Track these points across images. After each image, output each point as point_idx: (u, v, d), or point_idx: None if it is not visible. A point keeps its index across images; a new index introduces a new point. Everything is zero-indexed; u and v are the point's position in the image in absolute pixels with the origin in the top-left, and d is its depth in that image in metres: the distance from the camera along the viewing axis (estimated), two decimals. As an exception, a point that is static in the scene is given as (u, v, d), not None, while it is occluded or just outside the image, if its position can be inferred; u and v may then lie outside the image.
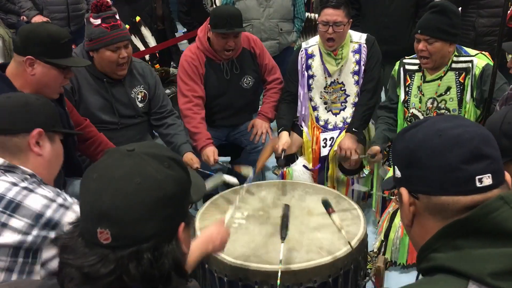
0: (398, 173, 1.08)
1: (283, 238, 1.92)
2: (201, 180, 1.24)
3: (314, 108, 3.25)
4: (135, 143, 1.08)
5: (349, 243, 1.99)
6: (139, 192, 0.95)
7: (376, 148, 2.89)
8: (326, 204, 2.08)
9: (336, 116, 3.22)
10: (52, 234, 1.44)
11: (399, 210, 2.78)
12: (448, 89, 2.81)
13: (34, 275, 1.44)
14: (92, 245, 0.95)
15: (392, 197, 2.90)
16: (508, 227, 0.92)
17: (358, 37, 3.15)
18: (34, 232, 1.42)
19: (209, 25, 3.06)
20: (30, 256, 1.43)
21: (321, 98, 3.21)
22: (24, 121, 1.56)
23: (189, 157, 2.90)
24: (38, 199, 1.46)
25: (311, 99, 3.23)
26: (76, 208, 1.50)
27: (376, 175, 3.13)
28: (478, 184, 0.96)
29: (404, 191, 1.06)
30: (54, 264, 1.43)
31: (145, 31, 4.51)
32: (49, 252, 1.45)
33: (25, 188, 1.47)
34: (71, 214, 1.48)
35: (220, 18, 2.98)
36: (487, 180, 0.97)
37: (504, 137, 1.59)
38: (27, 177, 1.52)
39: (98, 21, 2.62)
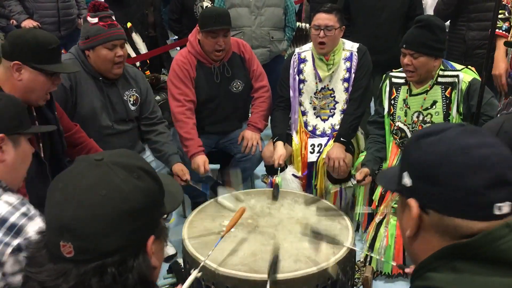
0: (408, 182, 1.00)
1: (270, 277, 1.88)
2: (179, 189, 1.17)
3: (303, 113, 3.26)
4: (106, 151, 1.05)
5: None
6: (104, 204, 0.91)
7: (365, 170, 2.86)
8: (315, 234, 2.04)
9: (324, 122, 3.24)
10: (15, 242, 1.41)
11: (385, 220, 2.80)
12: (434, 103, 2.82)
13: None
14: (56, 258, 0.92)
15: (373, 209, 2.90)
16: (510, 258, 0.89)
17: (350, 46, 3.18)
18: None
19: (198, 27, 3.08)
20: None
21: (310, 103, 3.23)
22: None
23: (180, 168, 2.89)
24: (2, 205, 1.44)
25: (300, 104, 3.25)
26: (39, 220, 1.47)
27: (361, 195, 3.13)
28: (496, 212, 0.91)
29: (413, 203, 0.98)
30: (17, 279, 1.41)
31: (136, 38, 4.50)
32: (13, 267, 1.42)
33: None
34: (34, 226, 1.44)
35: (208, 17, 3.02)
36: (506, 208, 0.91)
37: None
38: None
39: (96, 20, 2.63)
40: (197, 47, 3.13)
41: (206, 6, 4.66)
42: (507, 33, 3.41)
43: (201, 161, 2.97)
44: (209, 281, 1.99)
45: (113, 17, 2.72)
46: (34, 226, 1.44)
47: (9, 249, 1.41)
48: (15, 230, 1.43)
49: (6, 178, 1.54)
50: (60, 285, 0.90)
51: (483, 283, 0.88)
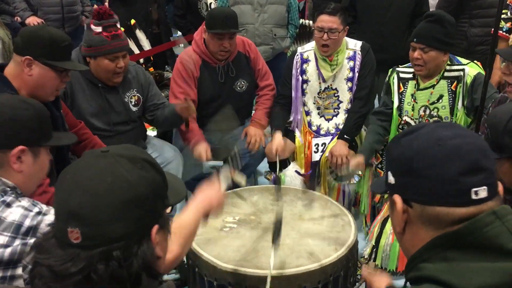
0: (392, 180, 1.06)
1: (274, 243, 1.91)
2: (181, 184, 1.23)
3: (307, 113, 3.26)
4: (111, 145, 1.09)
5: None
6: (109, 192, 0.96)
7: (359, 160, 2.88)
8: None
9: (328, 122, 3.24)
10: (31, 240, 1.43)
11: (390, 217, 2.80)
12: (441, 97, 2.83)
13: (16, 280, 1.43)
14: (64, 245, 0.96)
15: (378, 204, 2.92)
16: (498, 243, 0.93)
17: (353, 44, 3.17)
18: (15, 242, 1.41)
19: (204, 27, 3.08)
20: (9, 268, 1.41)
21: (314, 103, 3.23)
22: (7, 137, 1.51)
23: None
24: (15, 210, 1.45)
25: (304, 104, 3.25)
26: (53, 213, 1.48)
27: (365, 183, 3.14)
28: (473, 197, 0.96)
29: (398, 199, 1.04)
30: None
31: (140, 34, 4.51)
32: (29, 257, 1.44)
33: (2, 202, 1.46)
34: (50, 217, 1.47)
35: (216, 18, 3.00)
36: (483, 192, 0.96)
37: (508, 135, 1.59)
38: (7, 190, 1.50)
39: (99, 29, 2.60)
40: (202, 46, 3.12)
41: (210, 3, 4.66)
42: (508, 34, 3.41)
43: (202, 148, 2.97)
44: (211, 276, 2.00)
45: (118, 25, 2.69)
46: (51, 218, 1.46)
47: (28, 247, 1.42)
48: (31, 232, 1.45)
49: (21, 186, 1.55)
50: (68, 269, 0.94)
51: (473, 269, 0.92)
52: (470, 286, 0.90)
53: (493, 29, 2.54)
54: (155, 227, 1.01)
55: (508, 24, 3.43)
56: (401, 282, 2.77)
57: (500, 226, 0.94)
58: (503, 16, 3.32)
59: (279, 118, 3.23)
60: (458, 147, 0.98)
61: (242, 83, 3.26)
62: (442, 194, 0.97)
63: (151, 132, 3.79)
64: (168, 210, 1.11)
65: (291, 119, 3.30)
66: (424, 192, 0.99)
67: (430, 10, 3.97)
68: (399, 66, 3.03)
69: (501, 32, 3.32)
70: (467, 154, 0.97)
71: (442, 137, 1.00)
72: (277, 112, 3.26)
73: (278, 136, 3.09)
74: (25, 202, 1.49)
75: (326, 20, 3.00)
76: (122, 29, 3.10)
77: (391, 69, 3.06)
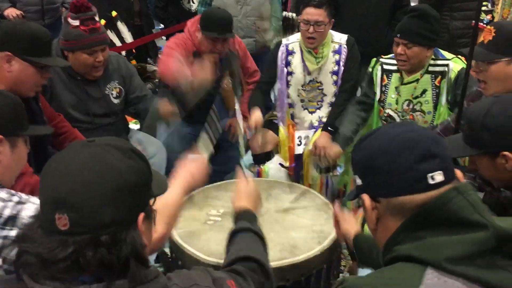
0: (359, 181, 1.14)
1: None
2: (163, 177, 1.26)
3: (291, 105, 3.25)
4: (95, 137, 1.09)
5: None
6: (99, 179, 0.97)
7: (336, 150, 2.94)
8: None
9: (312, 114, 3.24)
10: (12, 233, 1.42)
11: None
12: (424, 91, 2.83)
13: None
14: (51, 233, 0.96)
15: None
16: (462, 216, 1.00)
17: (339, 38, 3.16)
18: None
19: (199, 25, 3.02)
20: None
21: (298, 96, 3.22)
22: None
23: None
24: None
25: (288, 96, 3.24)
26: (34, 199, 1.49)
27: (350, 174, 3.15)
28: (430, 181, 1.03)
29: (366, 197, 1.12)
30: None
31: (122, 27, 4.46)
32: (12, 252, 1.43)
33: None
34: (30, 206, 1.46)
35: (211, 21, 2.95)
36: (439, 177, 1.03)
37: (486, 130, 1.59)
38: None
39: (77, 22, 2.53)
40: (196, 40, 3.04)
41: (193, -4, 4.64)
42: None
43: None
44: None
45: (96, 18, 2.62)
46: (27, 211, 1.45)
47: (8, 241, 1.41)
48: (11, 222, 1.44)
49: (0, 177, 1.54)
50: (56, 255, 0.94)
51: (441, 242, 0.99)
52: (440, 258, 0.97)
53: (474, 21, 2.56)
54: (141, 215, 1.03)
55: (489, 16, 3.46)
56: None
57: (462, 200, 1.01)
58: (483, 8, 3.35)
59: (258, 99, 3.18)
60: (410, 139, 1.07)
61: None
62: (402, 184, 1.05)
63: (134, 126, 3.76)
64: (151, 202, 1.12)
65: (278, 114, 3.28)
66: (386, 185, 1.07)
67: (411, 3, 4.00)
68: (383, 56, 3.02)
69: (481, 24, 3.35)
70: (418, 143, 1.06)
71: (395, 134, 1.10)
72: (256, 94, 3.23)
73: (257, 112, 3.03)
74: (3, 193, 1.48)
75: (312, 13, 2.99)
76: (103, 21, 3.04)
77: (374, 59, 3.05)
